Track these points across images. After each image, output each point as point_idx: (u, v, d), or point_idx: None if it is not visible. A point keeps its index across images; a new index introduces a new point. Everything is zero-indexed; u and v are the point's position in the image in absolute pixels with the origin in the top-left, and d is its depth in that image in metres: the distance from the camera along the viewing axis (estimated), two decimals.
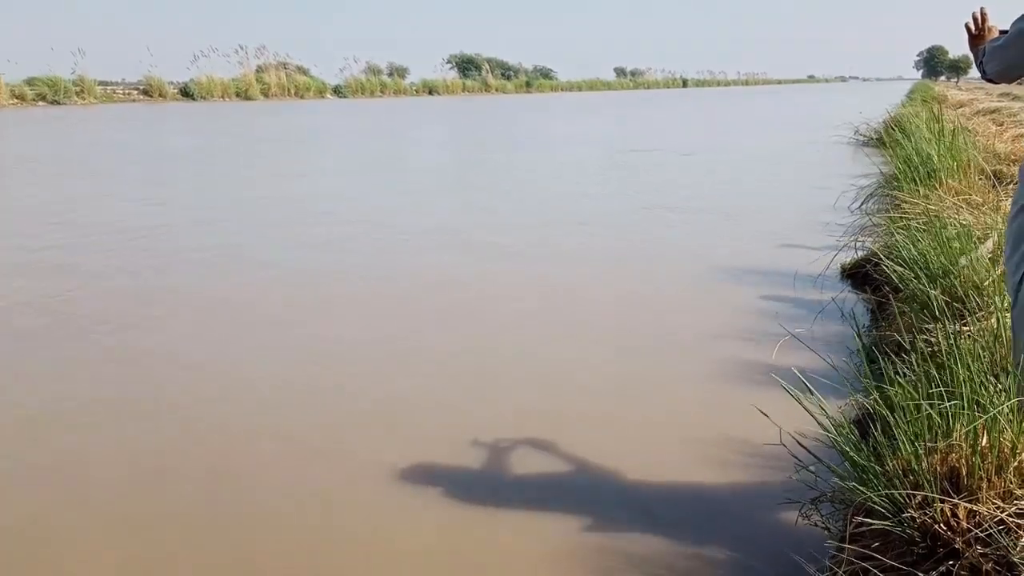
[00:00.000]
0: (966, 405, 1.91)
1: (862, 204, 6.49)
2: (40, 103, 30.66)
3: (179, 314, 4.62)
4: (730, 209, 8.17)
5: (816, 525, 2.16)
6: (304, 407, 3.31)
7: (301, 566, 2.22)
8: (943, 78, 76.63)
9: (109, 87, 34.77)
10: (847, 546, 1.91)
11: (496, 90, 53.09)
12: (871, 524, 1.89)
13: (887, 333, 3.16)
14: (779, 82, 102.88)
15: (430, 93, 48.47)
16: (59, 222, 7.41)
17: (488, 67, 54.93)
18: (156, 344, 4.08)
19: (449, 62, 55.00)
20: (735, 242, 6.39)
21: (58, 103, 30.95)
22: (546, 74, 62.12)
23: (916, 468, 1.87)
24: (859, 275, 4.65)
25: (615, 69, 75.10)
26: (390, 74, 47.84)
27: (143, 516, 2.48)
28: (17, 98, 30.41)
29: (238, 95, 37.40)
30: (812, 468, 2.15)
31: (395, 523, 2.43)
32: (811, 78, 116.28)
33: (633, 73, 75.78)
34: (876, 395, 2.21)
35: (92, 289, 5.16)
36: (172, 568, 2.22)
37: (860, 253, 4.93)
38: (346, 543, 2.33)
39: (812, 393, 2.13)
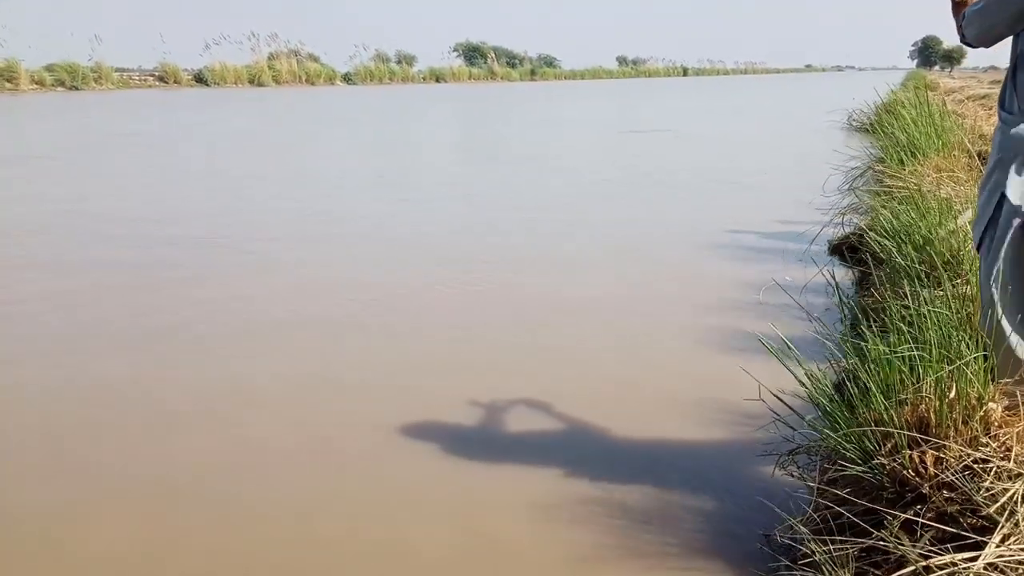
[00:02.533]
0: (935, 358, 1.99)
1: (851, 184, 6.57)
2: (58, 88, 30.74)
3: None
4: (723, 188, 8.34)
5: (792, 475, 2.25)
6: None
7: (304, 514, 2.32)
8: (937, 67, 76.46)
9: (125, 73, 34.85)
10: (818, 493, 1.99)
11: (501, 78, 53.09)
12: (844, 471, 1.98)
13: (868, 299, 3.24)
14: (777, 71, 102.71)
15: (437, 81, 48.50)
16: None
17: (494, 55, 54.85)
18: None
19: (455, 50, 54.93)
20: (727, 219, 6.52)
21: (76, 89, 31.05)
22: (550, 62, 62.06)
23: (887, 418, 1.95)
24: (845, 249, 4.74)
25: (617, 58, 74.98)
26: (398, 62, 47.84)
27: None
28: (36, 83, 30.49)
29: (250, 82, 37.50)
30: (789, 422, 2.24)
31: (397, 475, 2.53)
32: (808, 67, 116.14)
33: (635, 62, 75.64)
34: (851, 352, 2.29)
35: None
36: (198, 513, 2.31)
37: (847, 229, 5.03)
38: (351, 492, 2.43)
39: (792, 351, 2.20)
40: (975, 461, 1.84)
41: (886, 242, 3.54)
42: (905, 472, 1.87)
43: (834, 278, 2.80)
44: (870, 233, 3.81)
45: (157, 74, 35.73)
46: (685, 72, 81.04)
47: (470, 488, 2.46)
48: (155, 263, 5.24)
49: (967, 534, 1.67)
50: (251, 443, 2.77)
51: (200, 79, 36.30)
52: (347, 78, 43.32)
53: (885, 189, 4.88)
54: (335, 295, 4.53)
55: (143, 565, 2.11)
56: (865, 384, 2.05)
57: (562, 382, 3.24)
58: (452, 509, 2.34)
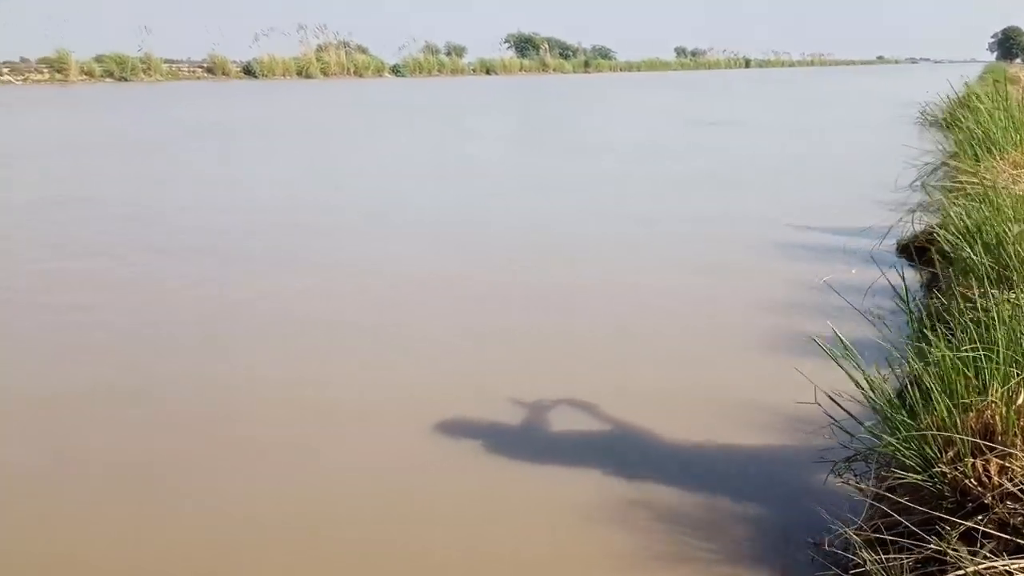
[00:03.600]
0: (1003, 362, 1.91)
1: (922, 180, 6.34)
2: (107, 79, 31.61)
3: None
4: (789, 182, 8.26)
5: (848, 483, 2.18)
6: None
7: (345, 513, 2.35)
8: (1019, 60, 73.42)
9: (174, 65, 35.61)
10: (872, 501, 1.93)
11: (554, 70, 52.68)
12: (902, 479, 1.91)
13: (936, 302, 3.12)
14: (847, 63, 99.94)
15: (487, 72, 48.35)
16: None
17: (547, 46, 54.50)
18: None
19: (507, 41, 54.74)
20: (793, 214, 6.41)
21: (125, 80, 31.83)
22: (605, 54, 61.34)
23: (950, 424, 1.87)
24: (914, 248, 4.58)
25: (676, 49, 73.81)
26: (448, 53, 47.82)
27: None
28: (86, 74, 31.36)
29: (298, 73, 37.95)
30: (846, 427, 2.17)
31: (437, 474, 2.54)
32: (880, 59, 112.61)
33: (694, 53, 74.39)
34: (914, 356, 2.20)
35: None
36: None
37: (917, 228, 4.86)
38: (389, 492, 2.45)
39: (851, 354, 2.13)
40: None
41: (956, 241, 3.40)
42: (967, 481, 1.80)
43: (903, 279, 2.70)
44: (940, 232, 3.66)
45: (206, 66, 36.37)
46: (747, 64, 79.31)
47: (515, 488, 2.44)
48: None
49: None
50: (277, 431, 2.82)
51: (248, 71, 36.83)
52: (396, 70, 43.46)
53: (957, 185, 4.69)
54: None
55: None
56: (928, 389, 1.98)
57: (609, 380, 3.20)
58: (494, 510, 2.33)
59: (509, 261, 5.14)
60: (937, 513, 1.78)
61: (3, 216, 6.64)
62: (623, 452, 2.61)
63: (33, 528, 2.28)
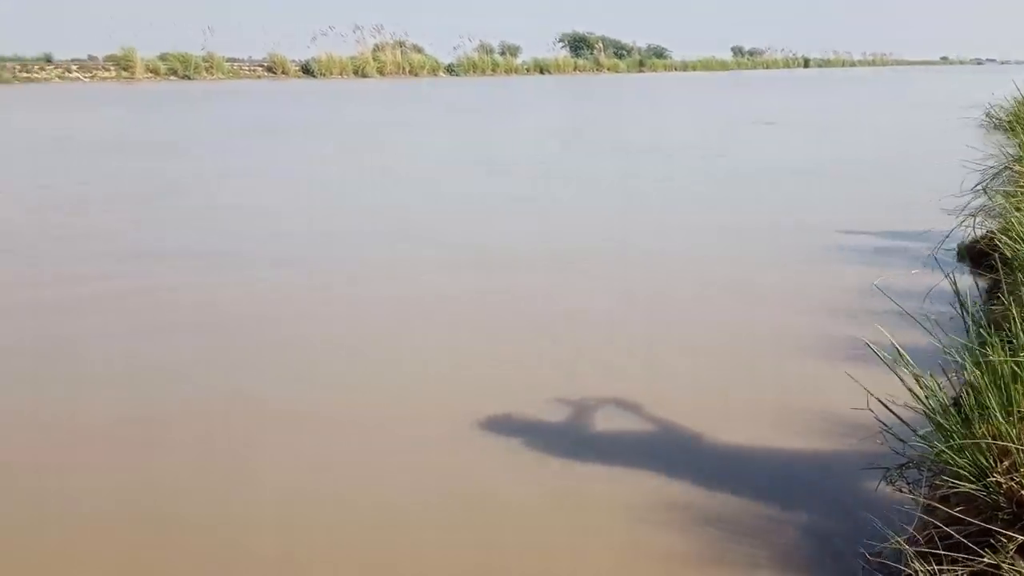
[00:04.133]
0: None
1: (985, 184, 6.15)
2: (171, 77, 32.44)
3: None
4: (848, 183, 8.18)
5: (900, 491, 2.13)
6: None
7: (389, 518, 2.37)
8: None
9: (235, 63, 36.38)
10: (925, 510, 1.89)
11: (608, 69, 52.35)
12: (956, 488, 1.86)
13: (997, 308, 3.02)
14: (909, 63, 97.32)
15: (541, 72, 48.27)
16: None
17: (601, 46, 54.14)
18: None
19: (561, 40, 54.52)
20: (850, 215, 6.34)
21: (188, 78, 32.65)
22: (660, 53, 60.70)
23: (1005, 433, 1.82)
24: (975, 253, 4.45)
25: (732, 48, 72.69)
26: (502, 53, 47.86)
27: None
28: (151, 72, 32.26)
29: (355, 73, 38.47)
30: (899, 435, 2.12)
31: (482, 476, 2.56)
32: (944, 60, 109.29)
33: (751, 52, 73.19)
34: (970, 364, 2.14)
35: None
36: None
37: (978, 232, 4.72)
38: (434, 495, 2.48)
39: (905, 360, 2.09)
40: None
41: (1018, 247, 3.30)
42: (1023, 492, 1.75)
43: (954, 283, 2.63)
44: (1001, 237, 3.56)
45: (266, 64, 37.13)
46: (807, 63, 77.69)
47: (559, 490, 2.44)
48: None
49: None
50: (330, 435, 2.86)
51: (307, 70, 37.50)
52: (450, 69, 43.68)
53: (1021, 190, 4.54)
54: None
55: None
56: (984, 397, 1.93)
57: (656, 381, 3.19)
58: (540, 511, 2.33)
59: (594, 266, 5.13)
60: (992, 525, 1.74)
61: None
62: (670, 454, 2.60)
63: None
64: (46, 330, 3.85)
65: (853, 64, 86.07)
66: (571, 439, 2.74)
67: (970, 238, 4.74)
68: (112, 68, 32.30)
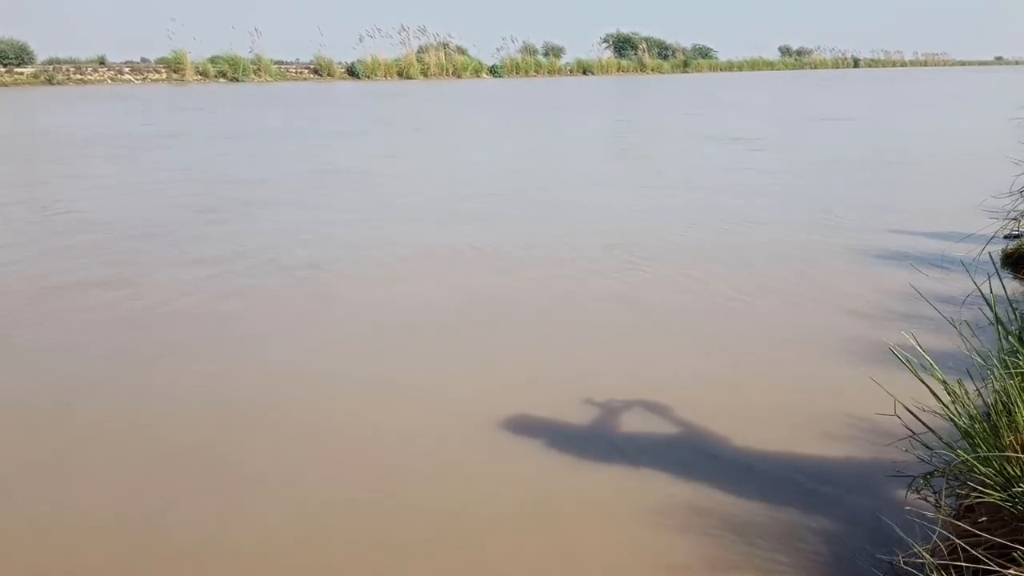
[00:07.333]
0: None
1: None
2: (220, 79, 33.05)
3: None
4: (896, 183, 8.19)
5: (926, 500, 2.09)
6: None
7: (395, 508, 2.39)
8: None
9: (283, 66, 37.04)
10: (946, 522, 1.85)
11: (652, 70, 52.05)
12: (981, 498, 1.82)
13: None
14: (962, 63, 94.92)
15: (584, 73, 48.19)
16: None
17: (645, 46, 53.85)
18: None
19: (605, 41, 54.35)
20: (896, 216, 6.30)
21: (237, 80, 33.26)
22: (705, 53, 60.12)
23: None
24: (1018, 259, 4.33)
25: (780, 48, 71.70)
26: (545, 54, 47.88)
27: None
28: (200, 74, 32.95)
29: (399, 74, 38.85)
30: (926, 442, 2.08)
31: (502, 477, 2.56)
32: (999, 60, 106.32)
33: (799, 52, 72.11)
34: (1001, 372, 2.09)
35: None
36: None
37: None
38: (449, 496, 2.49)
39: (934, 367, 2.04)
40: None
41: None
42: None
43: (991, 290, 2.56)
44: None
45: (312, 67, 37.73)
46: (856, 63, 76.31)
47: (578, 491, 2.43)
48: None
49: None
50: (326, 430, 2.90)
51: (352, 72, 38.06)
52: (493, 71, 43.84)
53: None
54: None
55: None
56: (1014, 406, 1.88)
57: (678, 382, 3.15)
58: (558, 513, 2.33)
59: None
60: (1016, 538, 1.70)
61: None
62: (691, 458, 2.58)
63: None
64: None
65: (904, 64, 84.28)
66: (588, 441, 2.72)
67: (1013, 246, 4.61)
68: (163, 70, 33.06)
